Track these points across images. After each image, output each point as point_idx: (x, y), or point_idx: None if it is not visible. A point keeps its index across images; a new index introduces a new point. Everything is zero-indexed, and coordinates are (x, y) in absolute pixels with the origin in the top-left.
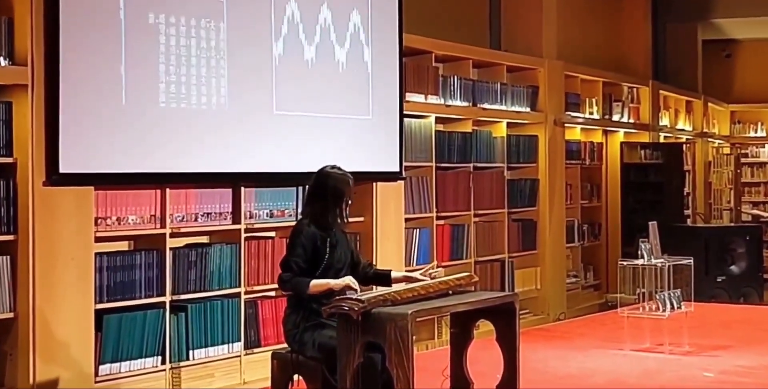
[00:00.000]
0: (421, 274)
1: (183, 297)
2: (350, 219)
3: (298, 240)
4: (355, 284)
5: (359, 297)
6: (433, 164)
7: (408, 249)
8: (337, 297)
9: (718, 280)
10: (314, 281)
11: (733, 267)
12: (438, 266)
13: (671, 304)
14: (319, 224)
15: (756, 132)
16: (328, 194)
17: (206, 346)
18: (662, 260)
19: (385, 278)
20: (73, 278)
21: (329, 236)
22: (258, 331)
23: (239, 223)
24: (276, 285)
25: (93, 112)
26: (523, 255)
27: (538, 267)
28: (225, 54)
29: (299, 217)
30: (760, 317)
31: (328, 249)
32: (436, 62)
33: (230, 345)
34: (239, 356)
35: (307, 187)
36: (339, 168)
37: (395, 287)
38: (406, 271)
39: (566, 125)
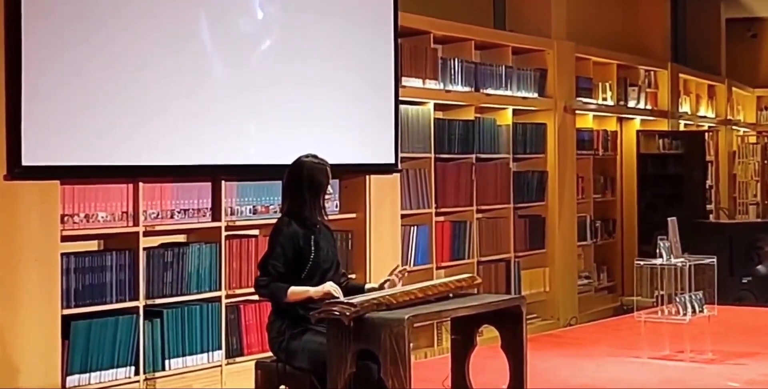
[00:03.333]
0: (388, 276)
1: (158, 301)
2: (342, 216)
3: (277, 241)
4: (337, 292)
5: (351, 301)
6: (432, 155)
7: (405, 248)
8: (327, 301)
9: (744, 281)
10: (293, 289)
11: (760, 267)
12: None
13: (692, 307)
14: (300, 220)
15: None
16: (304, 185)
17: (184, 355)
18: (683, 259)
19: (357, 293)
20: (37, 280)
21: (313, 233)
22: (240, 338)
23: (219, 220)
24: None
25: (59, 99)
26: (531, 255)
27: (547, 268)
28: (201, 34)
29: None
30: None
31: (312, 248)
32: (434, 43)
33: (210, 353)
34: (220, 366)
35: (282, 180)
36: (315, 156)
37: (389, 289)
38: None
39: (577, 111)
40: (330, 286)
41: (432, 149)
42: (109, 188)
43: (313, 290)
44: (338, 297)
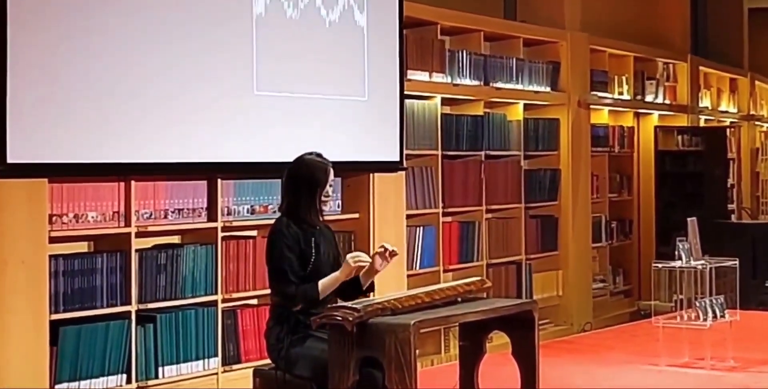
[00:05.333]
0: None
1: (151, 305)
2: (344, 216)
3: (282, 244)
4: (361, 260)
5: (354, 306)
6: (439, 153)
7: (410, 250)
8: (329, 306)
9: (767, 284)
10: (322, 282)
11: None
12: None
13: (713, 312)
14: (298, 220)
15: None
16: (301, 182)
17: (178, 362)
18: (703, 261)
19: (355, 284)
20: (23, 284)
21: (313, 235)
22: (237, 345)
23: (215, 220)
24: (258, 292)
25: (46, 92)
26: (543, 257)
27: (560, 271)
28: (196, 26)
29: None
30: None
31: (313, 250)
32: (442, 35)
33: (206, 360)
34: (216, 373)
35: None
36: (318, 155)
37: (394, 293)
38: (408, 276)
39: (592, 106)
40: (351, 259)
41: (439, 146)
42: (100, 187)
43: (342, 274)
44: (365, 265)
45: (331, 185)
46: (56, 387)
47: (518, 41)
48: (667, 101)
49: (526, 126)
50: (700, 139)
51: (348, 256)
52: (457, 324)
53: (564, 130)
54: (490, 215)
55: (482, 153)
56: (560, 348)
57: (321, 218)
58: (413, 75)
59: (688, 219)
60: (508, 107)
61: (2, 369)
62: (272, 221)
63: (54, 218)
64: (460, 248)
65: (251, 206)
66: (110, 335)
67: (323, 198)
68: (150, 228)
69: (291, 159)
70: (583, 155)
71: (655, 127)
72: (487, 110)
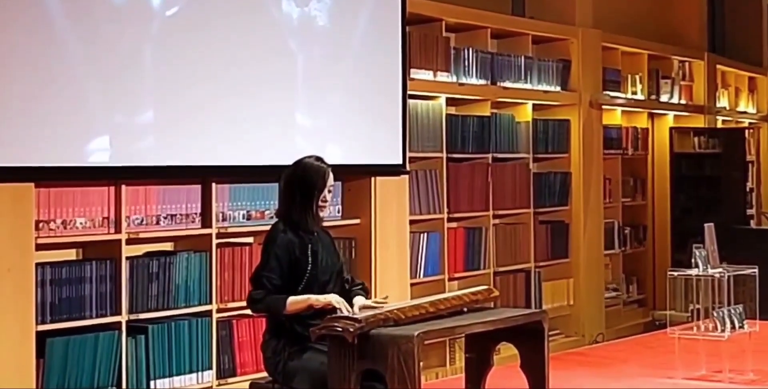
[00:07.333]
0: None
1: (142, 316)
2: (345, 221)
3: (271, 250)
4: (341, 304)
5: (355, 316)
6: (444, 155)
7: (414, 258)
8: (329, 316)
9: None
10: (292, 298)
11: None
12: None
13: (731, 323)
14: (295, 226)
15: None
16: (297, 187)
17: (171, 375)
18: (720, 269)
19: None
20: (9, 293)
21: (310, 242)
22: (233, 357)
23: (210, 227)
24: None
25: (30, 93)
26: (553, 264)
27: (571, 279)
28: (188, 26)
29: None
30: None
31: (310, 259)
32: (446, 32)
33: (200, 373)
34: (210, 387)
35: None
36: (318, 158)
37: (397, 302)
38: (412, 285)
39: (604, 107)
40: (333, 298)
41: (444, 148)
42: (89, 192)
43: (314, 298)
44: (340, 310)
45: (330, 191)
46: None
47: (527, 38)
48: (683, 101)
49: (535, 127)
50: (718, 141)
51: (335, 296)
52: (462, 335)
53: (575, 131)
54: (497, 221)
55: (489, 156)
56: (571, 361)
57: (313, 224)
58: (417, 74)
59: (705, 225)
60: (517, 108)
61: None
62: (268, 227)
63: (41, 225)
64: (466, 255)
65: (247, 212)
66: (100, 347)
67: (320, 204)
68: (141, 235)
69: (289, 162)
70: (594, 157)
71: (671, 128)
72: (495, 111)
